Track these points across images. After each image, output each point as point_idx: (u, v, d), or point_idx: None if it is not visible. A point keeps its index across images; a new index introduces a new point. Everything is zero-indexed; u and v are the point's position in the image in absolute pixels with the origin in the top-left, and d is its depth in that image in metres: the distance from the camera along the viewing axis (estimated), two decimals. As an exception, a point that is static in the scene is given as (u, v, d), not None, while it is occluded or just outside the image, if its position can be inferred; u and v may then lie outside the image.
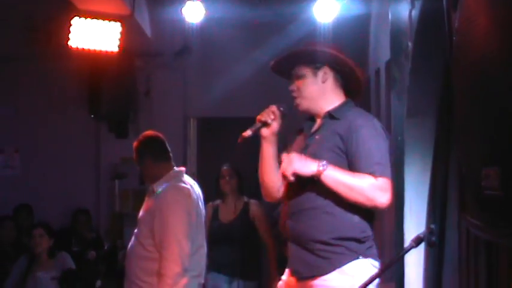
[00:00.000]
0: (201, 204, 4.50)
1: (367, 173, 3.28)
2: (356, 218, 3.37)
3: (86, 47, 6.66)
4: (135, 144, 4.58)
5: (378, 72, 6.63)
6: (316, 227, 3.38)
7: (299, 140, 3.63)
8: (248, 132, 3.48)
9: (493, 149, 2.49)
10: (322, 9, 6.86)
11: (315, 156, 3.36)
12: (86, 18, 6.54)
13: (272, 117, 3.50)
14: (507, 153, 2.36)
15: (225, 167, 6.38)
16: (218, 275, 6.14)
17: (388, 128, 5.79)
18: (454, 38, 2.84)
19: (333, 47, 3.60)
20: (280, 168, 3.45)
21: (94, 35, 6.59)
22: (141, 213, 4.43)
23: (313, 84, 3.51)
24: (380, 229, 6.46)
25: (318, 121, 3.55)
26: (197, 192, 4.49)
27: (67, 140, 8.31)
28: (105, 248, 7.73)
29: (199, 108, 8.27)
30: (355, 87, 3.57)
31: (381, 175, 3.29)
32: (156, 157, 4.48)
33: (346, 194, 3.28)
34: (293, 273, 3.50)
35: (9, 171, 8.49)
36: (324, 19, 6.91)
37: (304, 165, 3.31)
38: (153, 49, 8.01)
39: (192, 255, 4.26)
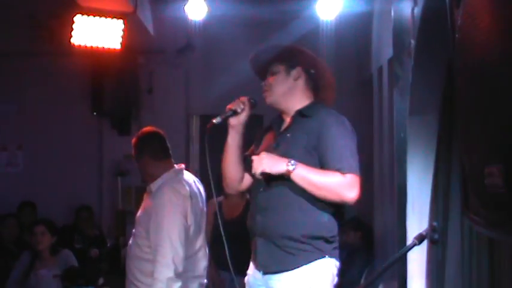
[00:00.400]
0: (201, 202, 4.37)
1: (335, 169, 3.35)
2: (326, 217, 3.44)
3: (88, 45, 6.66)
4: (133, 140, 4.38)
5: (380, 69, 6.63)
6: (286, 223, 3.43)
7: (268, 138, 3.68)
8: (217, 119, 3.55)
9: (496, 146, 2.48)
10: (324, 7, 6.87)
11: (287, 155, 3.42)
12: (88, 15, 6.55)
13: (242, 107, 3.58)
14: (511, 150, 2.35)
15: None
16: (222, 272, 6.13)
17: (391, 125, 5.81)
18: (456, 36, 2.83)
19: (312, 53, 3.67)
20: (246, 162, 3.54)
21: (97, 33, 6.60)
22: (139, 212, 4.30)
23: (285, 81, 3.59)
24: (382, 226, 6.47)
25: (288, 119, 3.61)
26: (197, 190, 4.35)
27: (70, 137, 8.32)
28: (108, 245, 7.75)
29: (201, 105, 8.27)
30: (324, 96, 3.64)
31: (349, 171, 3.36)
32: (155, 154, 4.30)
33: (315, 191, 3.36)
34: (259, 267, 3.56)
35: (12, 168, 8.50)
36: (327, 17, 6.92)
37: (273, 164, 3.38)
38: (156, 46, 8.02)
39: (189, 257, 4.18)
